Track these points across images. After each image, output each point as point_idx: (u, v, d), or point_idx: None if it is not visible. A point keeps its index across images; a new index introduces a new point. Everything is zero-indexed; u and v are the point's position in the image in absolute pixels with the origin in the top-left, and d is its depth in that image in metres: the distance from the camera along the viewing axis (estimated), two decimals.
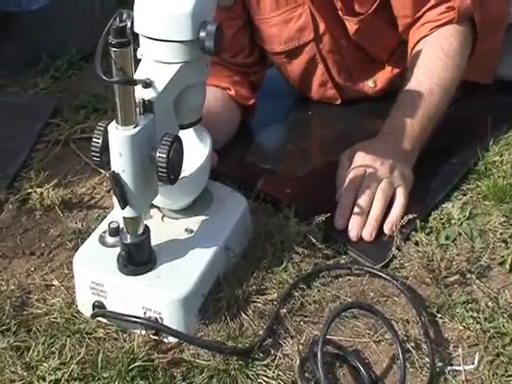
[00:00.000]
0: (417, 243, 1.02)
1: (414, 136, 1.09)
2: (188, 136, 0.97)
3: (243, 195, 1.03)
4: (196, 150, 0.97)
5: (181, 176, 0.93)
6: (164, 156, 0.80)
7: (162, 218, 0.96)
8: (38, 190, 1.12)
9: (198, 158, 0.95)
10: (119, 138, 0.80)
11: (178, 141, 0.82)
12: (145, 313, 0.87)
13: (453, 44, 1.13)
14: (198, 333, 0.89)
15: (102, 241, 0.92)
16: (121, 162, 0.81)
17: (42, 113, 1.29)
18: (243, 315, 0.92)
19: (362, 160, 1.05)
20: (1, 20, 1.43)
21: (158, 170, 0.81)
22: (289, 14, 1.17)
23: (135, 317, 0.86)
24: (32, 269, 1.01)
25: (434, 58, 1.12)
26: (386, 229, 1.01)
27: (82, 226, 1.06)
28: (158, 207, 0.97)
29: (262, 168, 1.14)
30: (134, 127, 0.81)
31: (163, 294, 0.87)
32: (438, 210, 1.07)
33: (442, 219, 1.06)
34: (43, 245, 1.05)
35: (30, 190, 1.13)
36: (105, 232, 0.92)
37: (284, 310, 0.93)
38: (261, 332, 0.89)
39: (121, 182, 0.81)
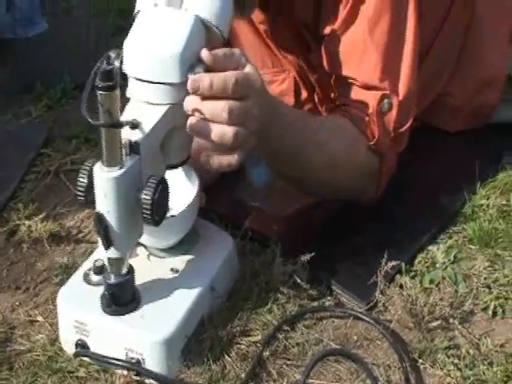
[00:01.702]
0: (401, 286, 1.03)
1: (276, 136, 0.94)
2: (176, 175, 0.98)
3: (230, 233, 1.03)
4: (184, 190, 0.97)
5: (168, 215, 0.93)
6: (149, 198, 0.81)
7: (148, 257, 0.96)
8: (27, 222, 1.11)
9: (185, 198, 0.96)
10: (104, 179, 0.81)
11: (163, 183, 0.83)
12: (126, 354, 0.87)
13: (360, 155, 1.04)
14: (179, 375, 0.89)
15: (86, 279, 0.92)
16: (105, 202, 0.81)
17: (33, 142, 1.29)
18: (226, 357, 0.92)
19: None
20: None
21: (143, 212, 0.81)
22: (273, 76, 1.18)
23: (116, 359, 0.86)
24: (17, 303, 1.01)
25: (341, 141, 1.02)
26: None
27: (68, 260, 1.06)
28: (144, 245, 0.97)
29: (250, 205, 1.14)
30: (120, 168, 0.81)
31: (145, 336, 0.87)
32: (423, 252, 1.07)
33: (426, 262, 1.06)
34: (29, 279, 1.05)
35: (18, 222, 1.12)
36: (90, 270, 0.92)
37: (267, 353, 0.93)
38: (243, 375, 0.89)
39: (105, 222, 0.81)
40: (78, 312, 0.89)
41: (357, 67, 1.03)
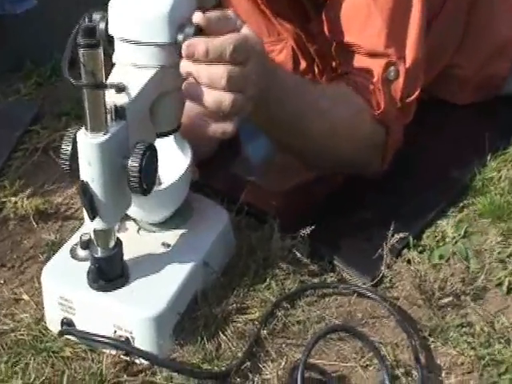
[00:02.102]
0: (409, 262, 0.97)
1: (275, 100, 0.88)
2: (167, 145, 0.92)
3: (226, 208, 0.98)
4: (175, 161, 0.91)
5: (159, 188, 0.89)
6: (136, 165, 0.75)
7: (138, 231, 0.91)
8: (13, 199, 1.06)
9: (177, 169, 0.90)
10: (88, 145, 0.75)
11: (151, 149, 0.77)
12: (115, 331, 0.81)
13: (365, 126, 0.98)
14: (171, 354, 0.83)
15: (73, 254, 0.87)
16: (90, 170, 0.76)
17: (21, 120, 1.24)
18: (221, 336, 0.86)
19: None
20: None
21: (130, 180, 0.76)
22: (270, 45, 1.12)
23: (103, 337, 0.80)
24: (1, 281, 0.96)
25: (344, 110, 0.97)
26: None
27: (56, 237, 1.00)
28: (134, 219, 0.91)
29: (247, 180, 1.08)
30: (104, 134, 0.76)
31: (134, 312, 0.81)
32: (431, 227, 1.02)
33: (435, 237, 1.00)
34: (15, 256, 1.00)
35: (4, 199, 1.07)
36: (76, 244, 0.87)
37: (265, 331, 0.87)
38: (239, 354, 0.84)
39: (90, 191, 0.76)
40: (63, 288, 0.84)
41: (360, 33, 0.97)
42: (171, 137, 0.92)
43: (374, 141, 1.01)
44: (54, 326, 0.86)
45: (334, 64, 1.02)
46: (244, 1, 1.09)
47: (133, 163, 0.75)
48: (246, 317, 0.89)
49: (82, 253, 0.86)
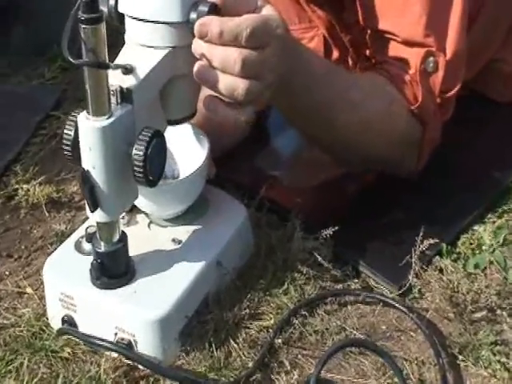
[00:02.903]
0: (441, 270, 0.89)
1: (299, 85, 0.82)
2: (183, 136, 0.87)
3: (247, 204, 0.91)
4: (192, 153, 0.86)
5: (173, 181, 0.84)
6: (140, 153, 0.69)
7: (149, 225, 0.85)
8: (25, 186, 1.02)
9: (193, 162, 0.85)
10: (89, 129, 0.70)
11: (158, 136, 0.71)
12: (116, 333, 0.76)
13: (400, 120, 0.91)
14: (176, 360, 0.78)
15: (77, 247, 0.82)
16: (91, 157, 0.70)
17: (43, 104, 1.20)
18: (232, 343, 0.80)
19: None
20: (11, 5, 1.35)
21: (134, 169, 0.70)
22: (300, 33, 1.05)
23: (103, 340, 0.75)
24: (7, 273, 0.92)
25: (378, 102, 0.90)
26: None
27: (66, 228, 0.96)
28: (145, 212, 0.86)
29: (271, 175, 1.02)
30: (107, 118, 0.70)
31: (138, 313, 0.75)
32: (467, 233, 0.94)
33: (471, 244, 0.93)
34: (23, 247, 0.95)
35: (16, 186, 1.03)
36: (82, 237, 0.82)
37: (280, 340, 0.80)
38: (250, 364, 0.78)
39: (90, 180, 0.70)
40: (65, 283, 0.79)
41: (397, 20, 0.89)
42: (188, 127, 0.87)
43: (409, 137, 0.93)
44: (56, 324, 0.81)
45: (367, 53, 0.95)
46: None
47: (137, 151, 0.70)
48: (260, 323, 0.83)
49: (87, 246, 0.80)
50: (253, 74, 0.72)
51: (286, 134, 1.10)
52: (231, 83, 0.72)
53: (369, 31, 0.92)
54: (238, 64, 0.71)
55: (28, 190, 1.02)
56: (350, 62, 1.04)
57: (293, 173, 1.04)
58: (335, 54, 1.05)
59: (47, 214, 1.00)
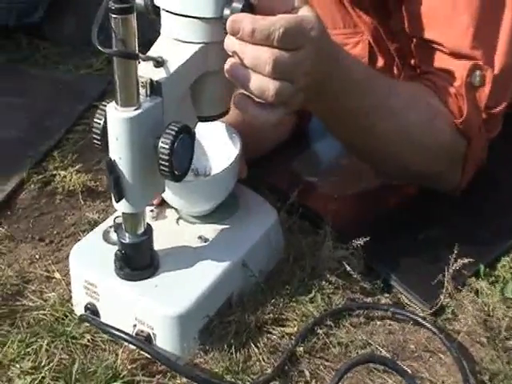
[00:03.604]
0: (477, 292, 0.85)
1: (334, 92, 0.79)
2: (215, 134, 0.86)
3: (279, 208, 0.90)
4: (223, 151, 0.85)
5: (202, 178, 0.83)
6: (166, 147, 0.68)
7: (178, 221, 0.84)
8: (63, 172, 1.03)
9: (224, 160, 0.83)
10: (116, 120, 0.69)
11: (186, 132, 0.70)
12: (135, 325, 0.75)
13: (442, 134, 0.88)
14: (195, 358, 0.76)
15: (105, 236, 0.81)
16: (117, 147, 0.70)
17: (88, 94, 1.21)
18: (252, 346, 0.78)
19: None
20: None
21: (159, 163, 0.69)
22: (344, 38, 1.02)
23: (120, 331, 0.74)
24: (37, 256, 0.92)
25: (420, 113, 0.87)
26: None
27: (99, 217, 0.95)
28: (175, 208, 0.85)
29: (307, 180, 1.00)
30: (135, 109, 0.69)
31: (157, 308, 0.74)
32: (508, 255, 0.90)
33: (511, 268, 0.88)
34: (55, 232, 0.96)
35: (54, 172, 1.04)
36: (111, 227, 0.81)
37: (301, 348, 0.78)
38: (269, 370, 0.75)
39: (116, 170, 0.70)
40: (89, 271, 0.78)
41: (443, 30, 0.86)
42: (222, 126, 0.86)
43: (452, 152, 0.90)
44: (79, 310, 0.80)
45: (412, 62, 0.92)
46: None
47: (163, 144, 0.68)
48: (283, 329, 0.80)
49: (114, 236, 0.79)
50: (284, 76, 0.70)
51: (326, 139, 1.08)
52: (261, 83, 0.70)
53: (414, 40, 0.89)
54: (269, 64, 0.69)
55: (65, 176, 1.02)
56: (396, 71, 1.01)
57: (330, 179, 1.02)
58: (380, 61, 1.02)
59: (82, 202, 1.00)
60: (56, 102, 1.19)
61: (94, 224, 0.94)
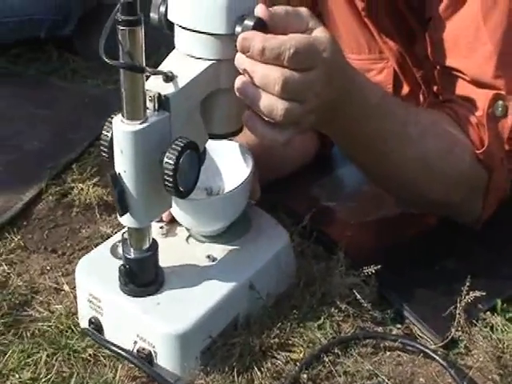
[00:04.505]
0: (492, 328, 0.83)
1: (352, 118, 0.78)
2: (229, 154, 0.85)
3: (293, 231, 0.89)
4: (236, 171, 0.84)
5: (212, 197, 0.82)
6: (171, 162, 0.67)
7: (187, 239, 0.83)
8: (80, 185, 1.04)
9: (234, 180, 0.82)
10: (121, 132, 0.69)
11: (193, 148, 0.69)
12: (135, 342, 0.74)
13: (462, 163, 0.85)
14: (195, 380, 0.75)
15: (113, 250, 0.81)
16: (122, 160, 0.69)
17: (113, 109, 1.21)
18: (256, 370, 0.76)
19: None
20: (94, 10, 1.39)
21: (164, 178, 0.68)
22: (369, 63, 1.00)
23: (119, 347, 0.73)
24: (48, 267, 0.92)
25: (439, 141, 0.84)
26: None
27: (113, 232, 0.95)
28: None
29: (325, 205, 0.99)
30: (141, 123, 0.69)
31: (158, 326, 0.73)
32: None
33: None
34: (68, 244, 0.96)
35: (72, 185, 1.05)
36: (119, 242, 0.81)
37: (305, 375, 0.76)
38: None
39: (121, 184, 0.69)
40: (94, 285, 0.78)
41: (466, 58, 0.85)
42: (235, 145, 0.85)
43: (472, 183, 0.87)
44: (84, 324, 0.80)
45: (435, 89, 0.90)
46: (345, 9, 0.99)
47: (168, 159, 0.68)
48: (288, 355, 0.79)
49: (121, 251, 0.79)
50: (294, 96, 0.69)
51: (349, 165, 1.06)
52: (270, 102, 0.69)
53: (437, 67, 0.88)
54: (278, 84, 0.68)
55: (82, 189, 1.03)
56: (422, 99, 0.99)
57: (348, 205, 1.00)
58: (405, 88, 1.00)
59: (98, 216, 1.00)
60: (81, 116, 1.20)
61: (107, 238, 0.93)
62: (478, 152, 0.85)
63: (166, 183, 0.68)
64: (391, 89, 1.00)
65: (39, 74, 1.35)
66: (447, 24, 0.84)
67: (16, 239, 0.95)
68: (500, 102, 0.83)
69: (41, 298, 0.87)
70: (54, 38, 1.38)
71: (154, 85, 0.70)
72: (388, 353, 0.81)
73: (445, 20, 0.84)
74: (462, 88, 0.85)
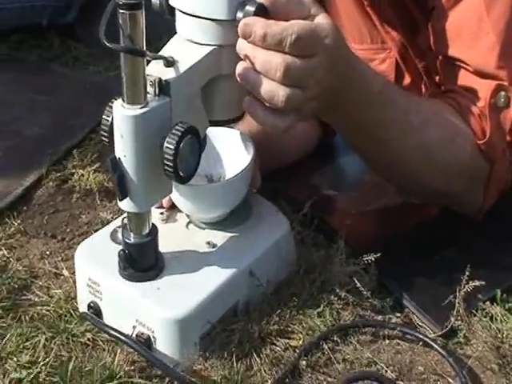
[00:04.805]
0: (491, 318, 0.82)
1: (353, 103, 0.77)
2: (229, 140, 0.85)
3: (294, 219, 0.88)
4: (237, 158, 0.84)
5: (212, 184, 0.82)
6: (171, 147, 0.67)
7: (187, 225, 0.83)
8: (80, 171, 1.04)
9: (235, 167, 0.82)
10: (122, 117, 0.69)
11: (193, 133, 0.69)
12: (134, 327, 0.74)
13: (463, 153, 0.85)
14: (194, 365, 0.75)
15: (113, 236, 0.80)
16: (122, 145, 0.69)
17: (114, 95, 1.21)
18: (255, 356, 0.76)
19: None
20: None
21: (164, 163, 0.68)
22: (371, 53, 1.00)
23: (118, 331, 0.73)
24: (47, 252, 0.92)
25: (440, 130, 0.84)
26: None
27: (113, 217, 0.95)
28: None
29: (327, 194, 0.98)
30: (142, 108, 0.68)
31: (157, 311, 0.73)
32: None
33: None
34: (68, 230, 0.96)
35: (73, 171, 1.05)
36: (119, 227, 0.80)
37: (305, 362, 0.76)
38: (269, 382, 0.74)
39: (120, 168, 0.69)
40: (93, 270, 0.78)
41: (469, 48, 0.84)
42: (236, 133, 0.85)
43: (473, 173, 0.87)
44: (83, 308, 0.80)
45: (437, 79, 0.90)
46: (349, 0, 0.98)
47: (168, 144, 0.67)
48: (288, 342, 0.78)
49: (121, 236, 0.79)
50: (295, 82, 0.69)
51: (351, 154, 1.06)
52: (272, 89, 0.69)
53: (440, 57, 0.87)
54: (279, 70, 0.68)
55: (83, 175, 1.03)
56: (424, 89, 0.99)
57: (349, 194, 1.00)
58: (407, 79, 1.00)
59: (98, 202, 1.00)
60: (82, 102, 1.20)
61: (107, 224, 0.93)
62: (479, 142, 0.85)
63: (166, 168, 0.68)
64: (393, 79, 0.99)
65: (41, 61, 1.35)
66: (450, 14, 0.84)
67: (16, 224, 0.95)
68: (502, 93, 0.83)
69: (40, 283, 0.87)
70: (56, 24, 1.38)
71: (155, 69, 0.70)
72: (387, 341, 0.81)
73: (448, 10, 0.84)
74: (465, 78, 0.85)
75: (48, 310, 0.82)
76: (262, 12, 0.68)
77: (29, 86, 1.23)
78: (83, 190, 1.02)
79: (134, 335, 0.74)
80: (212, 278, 0.76)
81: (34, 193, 1.02)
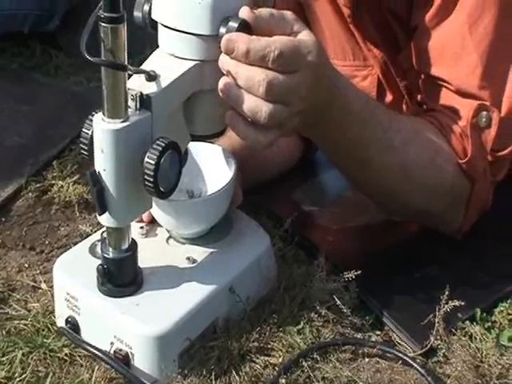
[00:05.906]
0: (471, 337, 0.83)
1: (336, 122, 0.77)
2: (211, 155, 0.84)
3: (275, 235, 0.88)
4: (218, 174, 0.83)
5: (193, 200, 0.82)
6: (152, 162, 0.67)
7: (168, 240, 0.82)
8: (60, 183, 1.03)
9: (217, 183, 0.82)
10: (102, 131, 0.68)
11: (174, 149, 0.68)
12: (112, 343, 0.73)
13: (444, 173, 0.85)
14: (172, 382, 0.74)
15: (91, 250, 0.79)
16: (102, 159, 0.68)
17: (95, 107, 1.20)
18: (234, 374, 0.76)
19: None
20: (79, 6, 1.38)
21: (144, 178, 0.67)
22: (354, 70, 1.00)
23: (94, 347, 0.72)
24: (26, 265, 0.91)
25: (421, 149, 0.84)
26: None
27: (92, 230, 0.94)
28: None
29: (308, 210, 0.98)
30: (122, 122, 0.68)
31: (136, 327, 0.72)
32: (507, 302, 0.87)
33: (509, 314, 0.85)
34: (47, 242, 0.95)
35: (52, 182, 1.03)
36: (98, 241, 0.80)
37: (284, 381, 0.75)
38: None
39: (100, 182, 0.68)
40: (71, 284, 0.77)
41: (451, 68, 0.85)
42: (217, 148, 0.85)
43: (454, 193, 0.87)
44: (61, 323, 0.79)
45: (419, 98, 0.90)
46: (331, 15, 0.98)
47: (149, 159, 0.67)
48: (267, 359, 0.78)
49: (100, 250, 0.78)
50: (278, 98, 0.69)
51: (333, 169, 1.06)
52: (254, 104, 0.69)
53: (422, 76, 0.87)
54: (262, 86, 0.68)
55: (62, 186, 1.02)
56: (405, 108, 0.99)
57: (331, 210, 1.00)
58: (389, 96, 1.00)
59: (77, 214, 0.99)
60: (63, 112, 1.19)
61: (86, 237, 0.92)
62: (460, 162, 0.85)
63: (147, 183, 0.67)
64: (375, 96, 1.00)
65: (22, 69, 1.33)
66: (433, 33, 0.84)
67: None
68: (484, 113, 0.83)
69: (18, 296, 0.86)
70: (37, 33, 1.37)
71: (137, 84, 0.69)
72: (367, 359, 0.80)
73: (431, 29, 0.85)
74: (447, 97, 0.85)
75: (25, 324, 0.80)
76: (245, 28, 0.68)
77: (9, 95, 1.22)
78: (62, 201, 1.01)
79: (111, 351, 0.73)
80: (192, 295, 0.75)
81: (13, 204, 1.01)
